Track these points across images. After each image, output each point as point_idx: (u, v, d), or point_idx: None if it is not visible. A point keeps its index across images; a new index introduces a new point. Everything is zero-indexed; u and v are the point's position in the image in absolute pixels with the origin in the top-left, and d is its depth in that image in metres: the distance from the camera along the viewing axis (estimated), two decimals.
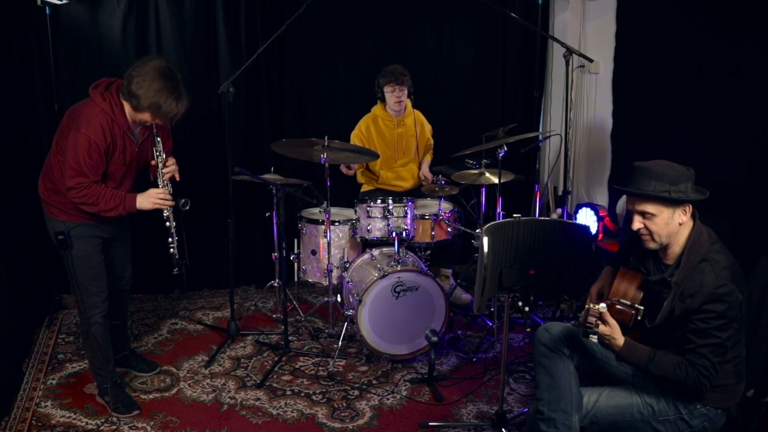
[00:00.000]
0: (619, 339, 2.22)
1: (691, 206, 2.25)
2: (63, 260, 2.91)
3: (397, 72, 4.05)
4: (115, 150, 2.79)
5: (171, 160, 2.96)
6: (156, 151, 2.88)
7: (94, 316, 2.97)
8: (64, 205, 2.86)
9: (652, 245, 2.29)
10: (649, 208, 2.23)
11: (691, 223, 2.28)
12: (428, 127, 4.44)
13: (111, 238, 3.04)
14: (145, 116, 2.75)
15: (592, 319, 2.16)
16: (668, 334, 2.27)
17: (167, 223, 2.88)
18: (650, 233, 2.26)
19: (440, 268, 4.37)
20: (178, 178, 2.96)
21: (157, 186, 2.94)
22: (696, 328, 2.17)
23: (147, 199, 2.85)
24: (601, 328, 2.20)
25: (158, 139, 2.88)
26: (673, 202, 2.21)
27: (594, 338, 2.17)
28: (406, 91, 4.10)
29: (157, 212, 2.94)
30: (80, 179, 2.73)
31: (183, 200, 2.92)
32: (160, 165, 2.90)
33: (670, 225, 2.24)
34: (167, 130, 2.98)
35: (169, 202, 2.87)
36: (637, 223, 2.27)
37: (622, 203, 3.97)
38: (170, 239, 2.89)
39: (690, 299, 2.19)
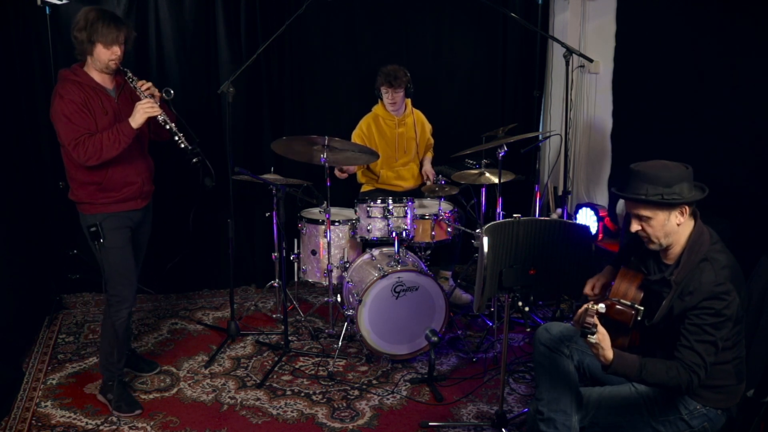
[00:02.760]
0: (609, 352, 2.17)
1: (688, 207, 2.25)
2: (95, 254, 2.98)
3: (392, 74, 4.02)
4: (94, 104, 2.87)
5: (143, 81, 2.97)
6: (128, 79, 2.93)
7: (122, 310, 3.02)
8: (91, 195, 2.94)
9: (652, 246, 2.30)
10: (644, 211, 2.24)
11: (691, 223, 2.28)
12: (428, 127, 4.44)
13: (138, 225, 3.11)
14: (99, 52, 2.84)
15: (590, 320, 2.13)
16: (666, 333, 2.27)
17: (167, 126, 2.93)
18: (648, 235, 2.27)
19: (439, 270, 4.37)
20: (157, 94, 2.98)
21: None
22: (691, 323, 2.17)
23: (137, 113, 2.87)
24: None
25: (126, 69, 2.94)
26: (666, 206, 2.21)
27: (593, 339, 2.14)
28: (401, 93, 4.08)
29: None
30: (74, 134, 2.80)
31: (164, 90, 2.98)
32: (136, 86, 2.93)
33: (667, 226, 2.24)
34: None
35: (157, 109, 2.89)
36: (635, 226, 2.28)
37: (622, 203, 3.98)
38: (176, 138, 2.93)
39: (689, 296, 2.19)
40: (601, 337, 2.15)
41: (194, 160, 2.96)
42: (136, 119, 2.86)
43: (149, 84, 2.96)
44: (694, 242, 2.25)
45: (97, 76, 2.92)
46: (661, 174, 2.21)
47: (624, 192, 2.27)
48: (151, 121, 2.96)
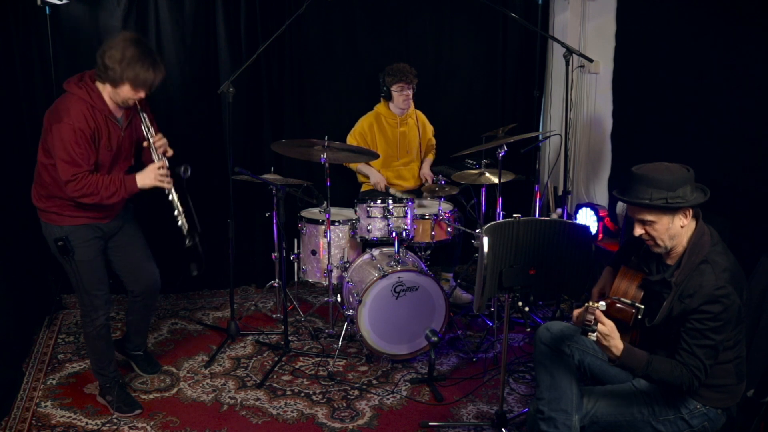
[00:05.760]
0: (619, 342, 2.18)
1: (691, 209, 2.24)
2: (63, 265, 2.88)
3: (407, 71, 4.08)
4: (101, 136, 2.73)
5: (159, 135, 2.86)
6: (144, 128, 2.81)
7: (99, 318, 2.96)
8: (60, 207, 2.81)
9: (657, 249, 2.29)
10: (648, 216, 2.22)
11: (693, 224, 2.28)
12: (430, 128, 4.45)
13: (116, 233, 3.01)
14: (125, 90, 2.68)
15: (590, 317, 2.14)
16: (667, 334, 2.27)
17: (170, 197, 2.80)
18: (653, 239, 2.26)
19: (441, 272, 4.37)
20: (170, 153, 2.87)
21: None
22: (691, 327, 2.17)
23: (148, 176, 2.76)
24: (600, 327, 2.19)
25: (144, 115, 2.81)
26: (671, 210, 2.21)
27: (593, 336, 2.15)
28: (413, 90, 4.13)
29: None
30: (74, 170, 2.66)
31: (182, 167, 2.84)
32: (151, 140, 2.81)
33: (672, 229, 2.23)
34: (143, 100, 2.86)
35: (168, 181, 2.77)
36: (639, 230, 2.26)
37: (622, 203, 3.98)
38: (175, 212, 2.80)
39: (689, 299, 2.18)
40: (609, 329, 2.15)
41: (187, 242, 2.84)
42: (146, 183, 2.74)
43: (164, 140, 2.83)
44: (694, 244, 2.25)
45: (110, 102, 2.75)
46: (663, 177, 2.19)
47: (626, 196, 2.25)
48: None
